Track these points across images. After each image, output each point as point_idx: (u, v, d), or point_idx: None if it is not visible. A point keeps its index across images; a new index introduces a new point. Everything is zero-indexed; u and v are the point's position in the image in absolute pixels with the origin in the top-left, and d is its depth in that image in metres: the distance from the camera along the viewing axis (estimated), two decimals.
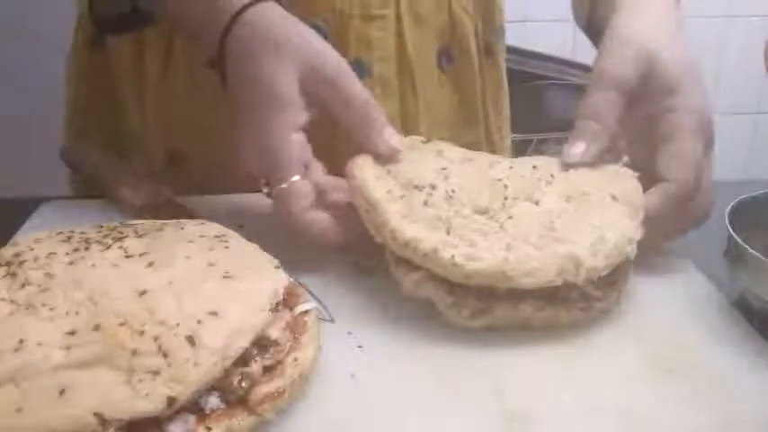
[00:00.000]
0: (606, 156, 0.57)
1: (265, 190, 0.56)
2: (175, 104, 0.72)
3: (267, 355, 0.43)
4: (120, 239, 0.48)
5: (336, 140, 0.59)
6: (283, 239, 0.53)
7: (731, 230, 0.51)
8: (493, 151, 0.82)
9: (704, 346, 0.49)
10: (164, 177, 0.72)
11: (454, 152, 0.59)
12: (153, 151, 0.75)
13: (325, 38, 0.62)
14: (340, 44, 0.67)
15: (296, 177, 0.54)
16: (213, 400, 0.41)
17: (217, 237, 0.50)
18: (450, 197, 0.52)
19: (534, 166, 0.56)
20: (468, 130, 0.80)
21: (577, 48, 1.92)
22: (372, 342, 0.50)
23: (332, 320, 0.51)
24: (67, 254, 0.47)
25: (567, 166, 0.56)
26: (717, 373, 0.47)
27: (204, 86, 0.67)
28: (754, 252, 0.49)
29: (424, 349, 0.49)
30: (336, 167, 0.58)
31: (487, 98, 0.82)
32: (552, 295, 0.49)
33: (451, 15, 0.75)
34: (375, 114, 0.56)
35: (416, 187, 0.53)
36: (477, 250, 0.48)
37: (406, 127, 0.73)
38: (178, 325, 0.41)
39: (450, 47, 0.76)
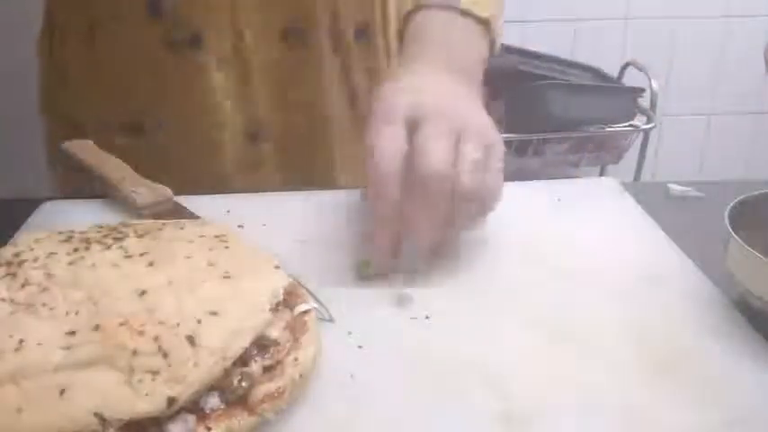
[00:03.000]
0: None
1: None
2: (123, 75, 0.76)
3: (267, 355, 0.43)
4: (120, 239, 0.48)
5: None
6: (283, 239, 0.53)
7: (731, 230, 0.51)
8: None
9: (704, 346, 0.49)
10: (123, 151, 0.72)
11: None
12: (110, 123, 0.78)
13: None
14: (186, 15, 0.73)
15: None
16: (213, 400, 0.41)
17: (217, 237, 0.50)
18: None
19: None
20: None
21: (577, 48, 1.92)
22: (372, 342, 0.50)
23: (332, 320, 0.51)
24: (67, 254, 0.47)
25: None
26: (717, 373, 0.47)
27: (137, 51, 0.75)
28: (754, 252, 0.49)
29: (424, 349, 0.49)
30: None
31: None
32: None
33: None
34: None
35: None
36: None
37: (242, 98, 0.77)
38: (178, 325, 0.41)
39: (296, 25, 0.76)
